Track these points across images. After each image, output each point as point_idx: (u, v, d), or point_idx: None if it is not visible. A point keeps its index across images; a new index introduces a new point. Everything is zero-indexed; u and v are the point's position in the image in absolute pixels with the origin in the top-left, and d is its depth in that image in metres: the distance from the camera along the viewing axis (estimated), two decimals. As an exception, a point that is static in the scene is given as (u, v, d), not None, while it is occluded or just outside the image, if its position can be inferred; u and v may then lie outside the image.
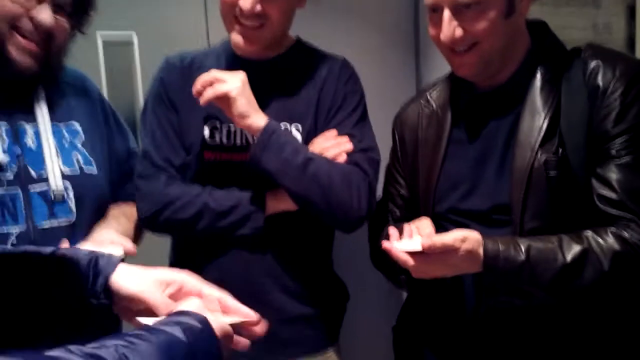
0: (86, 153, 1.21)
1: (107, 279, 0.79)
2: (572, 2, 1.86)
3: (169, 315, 0.72)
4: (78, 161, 1.19)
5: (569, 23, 1.60)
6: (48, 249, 0.84)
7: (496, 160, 1.14)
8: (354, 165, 1.23)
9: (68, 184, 1.16)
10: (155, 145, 1.27)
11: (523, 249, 1.02)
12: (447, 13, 1.07)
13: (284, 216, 1.24)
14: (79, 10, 1.15)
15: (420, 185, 1.22)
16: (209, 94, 1.16)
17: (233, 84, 1.16)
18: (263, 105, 1.25)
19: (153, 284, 0.80)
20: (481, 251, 1.02)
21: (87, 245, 1.10)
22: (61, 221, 1.14)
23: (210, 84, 1.17)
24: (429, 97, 1.26)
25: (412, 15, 1.86)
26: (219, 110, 1.26)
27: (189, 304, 0.75)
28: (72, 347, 0.58)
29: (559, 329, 1.08)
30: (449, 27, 1.07)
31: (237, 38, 1.24)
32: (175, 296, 0.81)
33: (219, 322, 0.73)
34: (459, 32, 1.07)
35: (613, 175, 1.04)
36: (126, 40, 1.95)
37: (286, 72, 1.32)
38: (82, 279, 0.79)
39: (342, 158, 1.23)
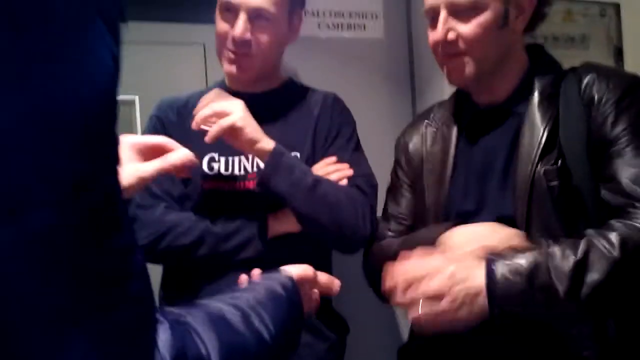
0: None
1: None
2: (561, 44, 1.92)
3: (270, 273, 0.80)
4: None
5: (559, 64, 1.67)
6: None
7: (498, 176, 1.14)
8: (355, 188, 1.25)
9: None
10: None
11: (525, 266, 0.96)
12: (442, 14, 1.11)
13: (284, 239, 1.23)
14: None
15: (428, 200, 1.20)
16: (215, 130, 1.15)
17: (236, 114, 1.17)
18: None
19: None
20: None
21: None
22: None
23: (210, 117, 1.17)
24: (431, 116, 1.28)
25: (406, 53, 1.91)
26: (217, 143, 1.27)
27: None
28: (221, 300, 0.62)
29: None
30: (443, 28, 1.11)
31: (229, 67, 1.28)
32: None
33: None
34: (452, 34, 1.11)
35: (618, 169, 1.02)
36: (128, 100, 2.01)
37: (280, 104, 1.35)
38: None
39: (344, 183, 1.25)
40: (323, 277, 0.86)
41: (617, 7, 1.99)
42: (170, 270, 1.32)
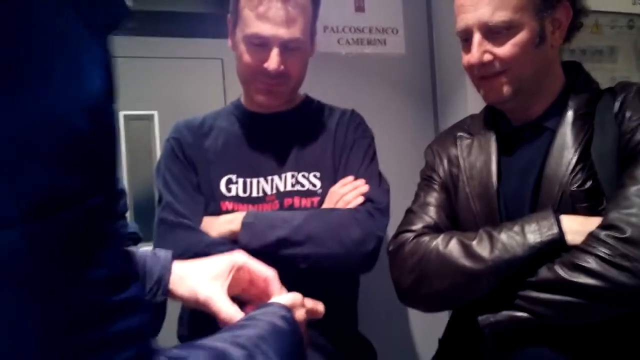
0: None
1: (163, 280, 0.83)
2: (589, 57, 1.87)
3: (264, 306, 0.76)
4: None
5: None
6: None
7: (529, 196, 1.09)
8: (367, 200, 1.22)
9: None
10: (176, 197, 1.25)
11: None
12: (477, 37, 1.08)
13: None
14: None
15: (475, 208, 1.15)
16: None
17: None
18: (282, 156, 1.27)
19: (212, 287, 0.84)
20: None
21: None
22: None
23: None
24: (465, 127, 1.24)
25: (428, 67, 1.89)
26: (235, 165, 1.26)
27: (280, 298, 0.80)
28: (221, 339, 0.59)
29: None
30: (479, 50, 1.08)
31: (261, 97, 1.27)
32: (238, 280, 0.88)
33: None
34: (487, 56, 1.08)
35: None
36: (147, 115, 2.01)
37: (299, 124, 1.33)
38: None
39: (359, 201, 1.22)
40: (308, 302, 0.85)
41: (645, 18, 1.94)
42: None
